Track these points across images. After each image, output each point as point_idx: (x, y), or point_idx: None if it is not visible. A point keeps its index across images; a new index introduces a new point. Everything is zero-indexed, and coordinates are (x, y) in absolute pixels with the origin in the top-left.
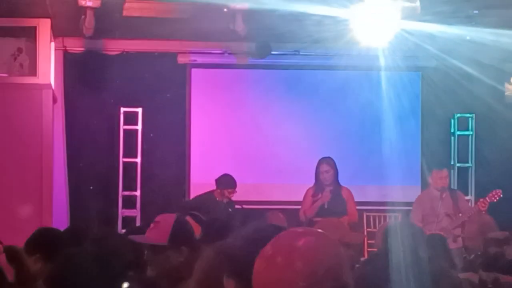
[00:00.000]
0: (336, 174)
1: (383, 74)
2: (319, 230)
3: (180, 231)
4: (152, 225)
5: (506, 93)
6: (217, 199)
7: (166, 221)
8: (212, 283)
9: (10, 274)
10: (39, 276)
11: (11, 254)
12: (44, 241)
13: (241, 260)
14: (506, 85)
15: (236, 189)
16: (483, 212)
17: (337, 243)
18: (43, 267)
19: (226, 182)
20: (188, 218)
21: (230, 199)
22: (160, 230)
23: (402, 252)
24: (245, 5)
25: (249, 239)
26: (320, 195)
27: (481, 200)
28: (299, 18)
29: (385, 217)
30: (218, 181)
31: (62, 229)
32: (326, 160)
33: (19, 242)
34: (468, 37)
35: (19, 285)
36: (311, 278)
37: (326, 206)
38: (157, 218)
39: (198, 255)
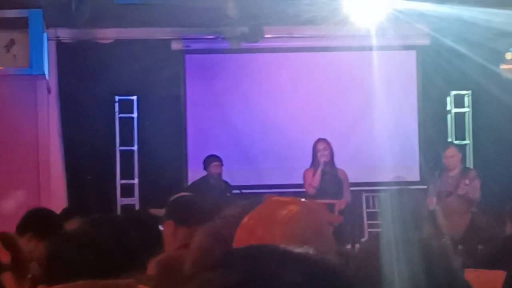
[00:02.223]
0: (332, 154)
1: (377, 53)
2: (302, 199)
3: (175, 207)
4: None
5: (501, 66)
6: (211, 182)
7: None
8: (205, 265)
9: (5, 256)
10: (33, 256)
11: (6, 240)
12: (35, 219)
13: (231, 240)
14: (502, 66)
15: (222, 163)
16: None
17: (318, 212)
18: (36, 246)
19: (208, 159)
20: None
21: (219, 172)
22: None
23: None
24: None
25: (238, 218)
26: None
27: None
28: None
29: None
30: (203, 163)
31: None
32: (323, 139)
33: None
34: (463, 17)
35: (14, 268)
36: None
37: (327, 169)
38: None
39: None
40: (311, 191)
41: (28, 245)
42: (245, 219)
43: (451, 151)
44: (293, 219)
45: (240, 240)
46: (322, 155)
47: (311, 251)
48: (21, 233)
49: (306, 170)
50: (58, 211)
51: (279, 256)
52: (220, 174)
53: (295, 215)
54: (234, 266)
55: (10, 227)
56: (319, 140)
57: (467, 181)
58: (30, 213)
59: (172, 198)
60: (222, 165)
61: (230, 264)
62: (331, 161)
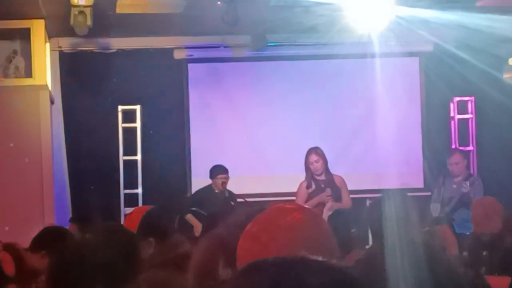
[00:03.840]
0: (326, 163)
1: (380, 60)
2: (305, 206)
3: (148, 222)
4: (126, 216)
5: (505, 76)
6: (216, 191)
7: (138, 212)
8: (209, 273)
9: (10, 269)
10: (44, 272)
11: (11, 251)
12: (50, 238)
13: (235, 248)
14: (505, 74)
15: (229, 175)
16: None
17: (321, 218)
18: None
19: (215, 169)
20: (189, 216)
21: (225, 186)
22: (131, 221)
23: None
24: None
25: (242, 226)
26: (313, 187)
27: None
28: (293, 6)
29: None
30: (210, 172)
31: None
32: (314, 150)
33: (22, 242)
34: (466, 24)
35: (19, 281)
36: (294, 252)
37: (322, 178)
38: (132, 210)
39: (169, 246)
40: None
41: (40, 262)
42: (249, 226)
43: (457, 157)
44: (297, 226)
45: (244, 247)
46: (315, 168)
47: (332, 260)
48: (35, 250)
49: (302, 183)
50: (62, 220)
51: (303, 264)
52: (225, 184)
53: (299, 222)
54: (263, 273)
55: (14, 237)
56: (310, 151)
57: (467, 183)
58: (46, 231)
59: (142, 214)
60: (228, 177)
61: (259, 271)
62: (325, 170)
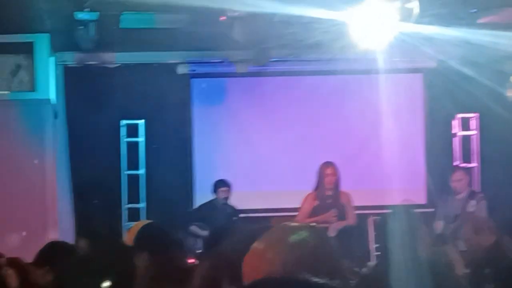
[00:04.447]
0: (339, 179)
1: (384, 77)
2: (311, 224)
3: (144, 237)
4: (128, 230)
5: (508, 94)
6: (219, 205)
7: (137, 226)
8: None
9: (15, 282)
10: (47, 287)
11: (15, 266)
12: (54, 253)
13: (240, 265)
14: (509, 90)
15: (231, 188)
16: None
17: (327, 235)
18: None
19: (218, 183)
20: (193, 227)
21: (227, 199)
22: (129, 235)
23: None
24: (242, 12)
25: (247, 243)
26: (319, 200)
27: None
28: (296, 22)
29: None
30: (213, 187)
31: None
32: (331, 164)
33: (25, 256)
34: (469, 40)
35: None
36: (300, 270)
37: (330, 194)
38: (134, 224)
39: (164, 260)
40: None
41: (44, 277)
42: (256, 244)
43: (459, 174)
44: (303, 244)
45: (250, 264)
46: (330, 180)
47: (338, 278)
48: (39, 265)
49: (309, 195)
50: (65, 234)
51: (306, 285)
52: (227, 199)
53: (305, 240)
54: None
55: (18, 251)
56: (327, 164)
57: (474, 202)
58: (50, 246)
59: (139, 228)
60: (230, 190)
61: None
62: (336, 186)
